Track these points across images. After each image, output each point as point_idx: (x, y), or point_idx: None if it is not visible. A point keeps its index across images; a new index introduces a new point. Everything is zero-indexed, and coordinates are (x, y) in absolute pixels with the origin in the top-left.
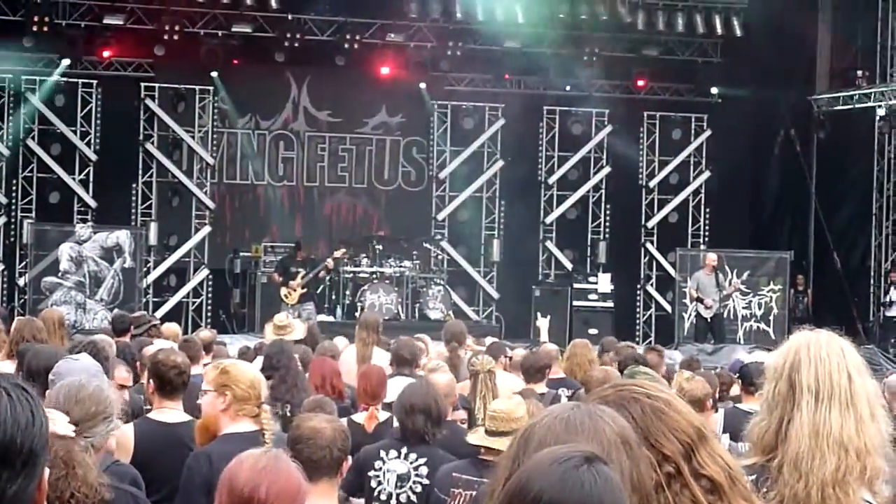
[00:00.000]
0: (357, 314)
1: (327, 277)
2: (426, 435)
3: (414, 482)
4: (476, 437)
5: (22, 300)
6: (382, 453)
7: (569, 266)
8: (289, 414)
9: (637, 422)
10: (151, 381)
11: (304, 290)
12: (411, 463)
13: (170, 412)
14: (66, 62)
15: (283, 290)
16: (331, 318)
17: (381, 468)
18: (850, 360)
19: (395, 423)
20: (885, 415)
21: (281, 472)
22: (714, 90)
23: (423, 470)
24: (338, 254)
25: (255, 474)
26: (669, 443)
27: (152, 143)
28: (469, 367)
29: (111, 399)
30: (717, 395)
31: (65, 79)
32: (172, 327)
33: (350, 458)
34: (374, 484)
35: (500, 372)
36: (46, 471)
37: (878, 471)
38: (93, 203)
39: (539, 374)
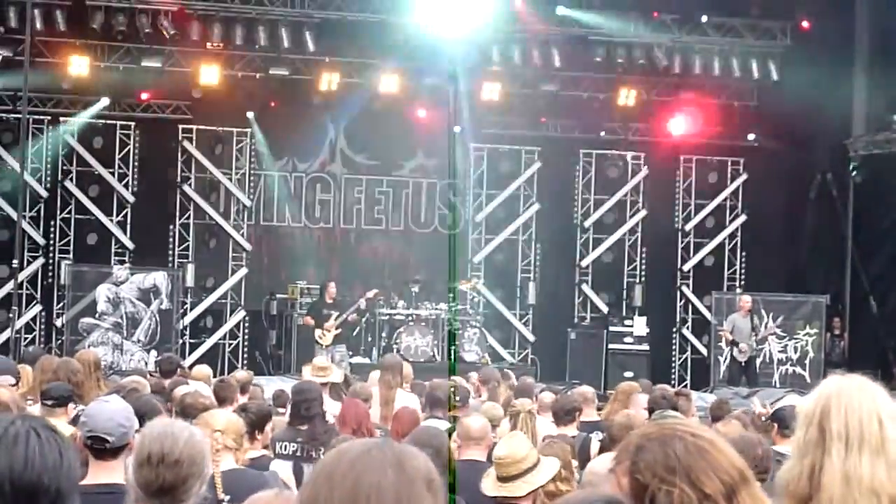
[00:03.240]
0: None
1: (362, 319)
2: None
3: None
4: (490, 487)
5: (59, 341)
6: None
7: (604, 309)
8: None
9: (679, 459)
10: None
11: (339, 330)
12: None
13: None
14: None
15: (318, 332)
16: (366, 360)
17: None
18: (882, 406)
19: None
20: None
21: None
22: (751, 136)
23: None
24: (370, 294)
25: None
26: (711, 482)
27: (189, 184)
28: (509, 408)
29: (205, 451)
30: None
31: (102, 120)
32: (203, 369)
33: None
34: None
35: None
36: None
37: None
38: (130, 244)
39: (569, 417)
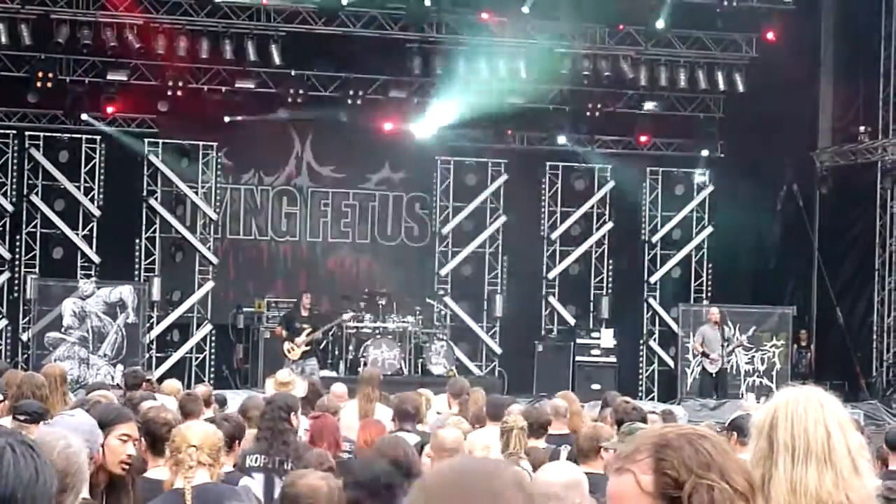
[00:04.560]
0: (360, 369)
1: (328, 334)
2: (393, 486)
3: None
4: None
5: (25, 356)
6: None
7: (571, 321)
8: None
9: (712, 456)
10: (143, 438)
11: (308, 347)
12: None
13: (163, 469)
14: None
15: (287, 346)
16: (333, 374)
17: None
18: (829, 415)
19: None
20: (870, 468)
21: None
22: (705, 152)
23: None
24: (346, 317)
25: None
26: (741, 480)
27: (156, 198)
28: (502, 424)
29: (80, 464)
30: None
31: (68, 135)
32: (173, 384)
33: None
34: None
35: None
36: None
37: None
38: (96, 258)
39: (540, 430)
